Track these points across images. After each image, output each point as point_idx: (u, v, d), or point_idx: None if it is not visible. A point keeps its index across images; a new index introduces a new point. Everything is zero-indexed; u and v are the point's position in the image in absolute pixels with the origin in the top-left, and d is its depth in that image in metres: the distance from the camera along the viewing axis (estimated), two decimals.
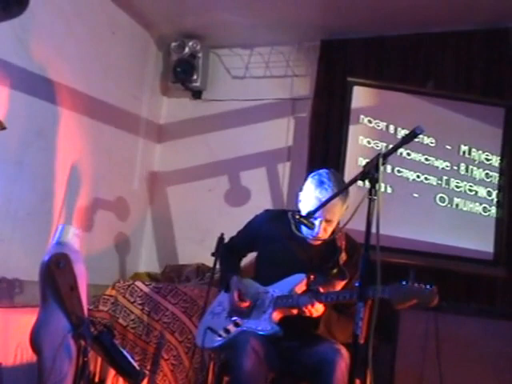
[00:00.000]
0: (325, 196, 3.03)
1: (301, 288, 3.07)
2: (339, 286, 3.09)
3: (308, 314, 2.96)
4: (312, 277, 3.08)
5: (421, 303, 2.63)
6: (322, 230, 3.09)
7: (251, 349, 2.90)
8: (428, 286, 2.62)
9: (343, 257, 3.09)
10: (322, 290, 3.02)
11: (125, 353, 3.33)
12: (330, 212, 3.03)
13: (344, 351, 2.93)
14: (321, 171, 3.18)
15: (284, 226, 3.26)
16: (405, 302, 2.59)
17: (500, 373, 3.94)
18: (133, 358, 3.46)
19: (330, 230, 3.13)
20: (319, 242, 3.16)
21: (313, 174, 3.20)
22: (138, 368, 3.43)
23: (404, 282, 2.61)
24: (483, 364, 3.97)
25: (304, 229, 3.15)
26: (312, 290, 3.03)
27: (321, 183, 3.08)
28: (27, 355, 4.01)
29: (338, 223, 3.19)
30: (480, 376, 3.94)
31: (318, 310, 2.97)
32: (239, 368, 2.90)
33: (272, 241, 3.26)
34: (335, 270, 3.07)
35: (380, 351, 3.86)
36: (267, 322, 3.08)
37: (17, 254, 4.12)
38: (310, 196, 3.11)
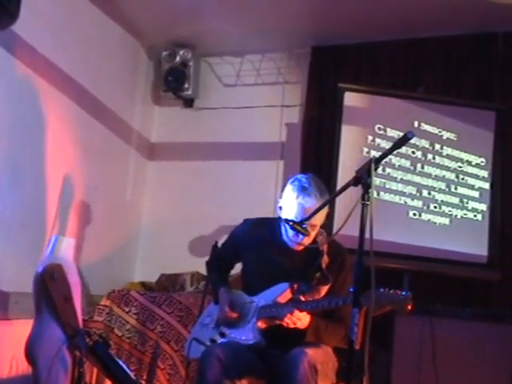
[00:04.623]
0: (308, 202, 3.00)
1: (285, 297, 3.06)
2: (323, 290, 3.07)
3: (292, 325, 2.95)
4: (295, 285, 3.07)
5: (395, 309, 2.65)
6: (305, 237, 3.07)
7: (215, 358, 2.90)
8: (403, 293, 2.62)
9: (325, 260, 3.07)
10: (303, 298, 3.01)
11: (120, 363, 3.32)
12: (315, 217, 3.01)
13: (310, 351, 2.90)
14: (299, 176, 3.15)
15: (265, 234, 3.25)
16: (379, 309, 2.59)
17: (496, 376, 3.95)
18: (128, 368, 3.46)
19: (313, 234, 3.12)
20: (302, 248, 3.15)
21: (291, 180, 3.16)
22: (133, 378, 3.42)
23: (382, 289, 2.61)
24: (479, 368, 3.97)
25: (289, 235, 3.13)
26: (293, 299, 3.03)
27: (303, 189, 3.04)
28: (22, 367, 4.00)
29: (322, 227, 3.19)
30: (476, 380, 3.94)
31: (300, 319, 2.95)
32: (202, 377, 2.93)
33: (254, 250, 3.25)
34: (318, 274, 3.06)
35: (376, 357, 3.87)
36: (250, 332, 3.08)
37: (10, 265, 4.10)
38: (292, 203, 3.07)
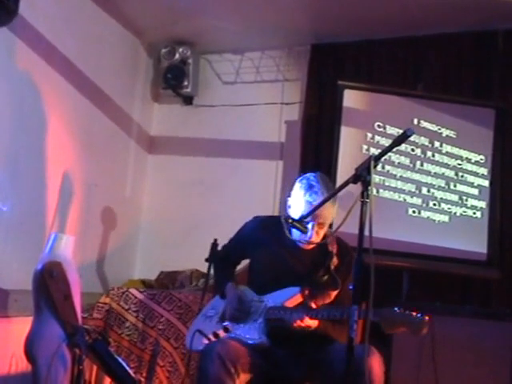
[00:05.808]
0: (315, 199, 3.02)
1: (295, 301, 3.07)
2: (333, 294, 3.09)
3: (299, 328, 2.96)
4: (307, 291, 3.07)
5: (410, 331, 2.63)
6: (314, 234, 3.08)
7: (216, 355, 2.89)
8: (419, 315, 2.62)
9: (335, 261, 3.08)
10: (314, 305, 3.01)
11: (120, 360, 3.31)
12: (322, 215, 3.02)
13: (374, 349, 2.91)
14: (308, 175, 3.17)
15: (275, 232, 3.25)
16: (394, 328, 2.60)
17: (496, 374, 3.95)
18: (128, 366, 3.45)
19: (321, 233, 3.12)
20: (311, 247, 3.15)
21: (300, 178, 3.19)
22: (133, 375, 3.42)
23: (396, 308, 2.62)
24: (479, 366, 3.97)
25: (296, 233, 3.13)
26: (304, 305, 3.03)
27: (310, 187, 3.07)
28: (22, 365, 3.99)
29: (330, 226, 3.19)
30: (476, 377, 3.94)
31: (310, 325, 2.96)
32: (203, 373, 2.93)
33: (263, 248, 3.25)
34: (326, 277, 3.06)
35: None
36: (256, 331, 3.08)
37: (10, 263, 4.10)
38: (299, 201, 3.09)
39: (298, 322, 2.94)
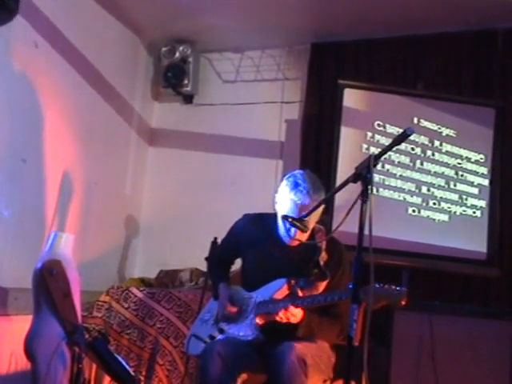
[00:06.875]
0: (300, 198, 3.01)
1: (282, 293, 3.07)
2: (321, 286, 3.07)
3: (285, 320, 2.96)
4: (293, 281, 3.07)
5: (390, 304, 2.66)
6: (298, 231, 3.08)
7: (217, 354, 2.91)
8: (398, 288, 2.65)
9: (324, 256, 3.07)
10: (300, 294, 3.02)
11: (119, 359, 3.31)
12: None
13: (299, 345, 2.92)
14: (295, 172, 3.16)
15: (264, 230, 3.27)
16: (376, 303, 2.60)
17: (495, 373, 3.95)
18: (128, 364, 3.45)
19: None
20: (298, 243, 3.14)
21: (287, 175, 3.18)
22: (132, 374, 3.42)
23: (377, 285, 2.62)
24: (478, 365, 3.98)
25: (281, 230, 3.15)
26: (290, 295, 3.04)
27: (296, 185, 3.05)
28: (22, 363, 4.00)
29: (319, 222, 3.19)
30: (475, 377, 3.95)
31: (294, 314, 2.96)
32: (204, 372, 2.94)
33: (253, 245, 3.27)
34: (316, 270, 3.06)
35: (375, 354, 3.87)
36: (249, 328, 3.10)
37: (10, 261, 4.10)
38: (285, 198, 3.09)
39: (283, 311, 2.94)
